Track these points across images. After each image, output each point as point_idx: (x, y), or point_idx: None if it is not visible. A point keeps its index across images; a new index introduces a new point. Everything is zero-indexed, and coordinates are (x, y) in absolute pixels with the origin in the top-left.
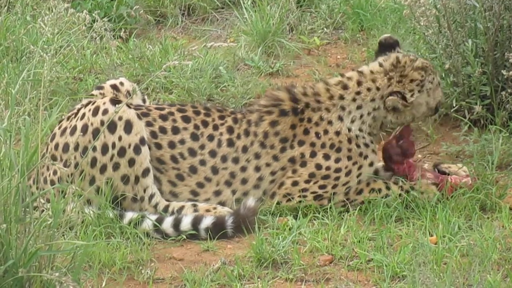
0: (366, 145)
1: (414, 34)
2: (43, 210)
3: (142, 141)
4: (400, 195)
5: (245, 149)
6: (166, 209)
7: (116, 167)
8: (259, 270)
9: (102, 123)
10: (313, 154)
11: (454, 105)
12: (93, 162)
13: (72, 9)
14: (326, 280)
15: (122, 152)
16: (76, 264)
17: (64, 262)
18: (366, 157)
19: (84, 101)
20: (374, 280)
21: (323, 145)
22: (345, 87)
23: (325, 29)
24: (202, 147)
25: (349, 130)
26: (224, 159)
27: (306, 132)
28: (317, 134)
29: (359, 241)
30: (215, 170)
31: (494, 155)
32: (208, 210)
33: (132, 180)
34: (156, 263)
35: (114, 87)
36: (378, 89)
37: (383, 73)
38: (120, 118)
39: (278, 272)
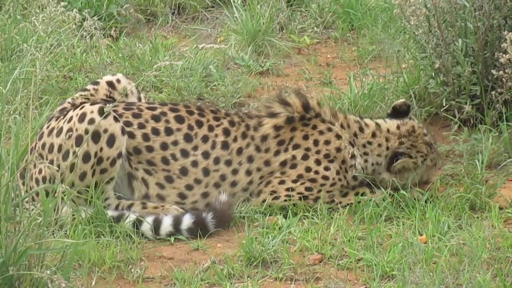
0: (354, 177)
1: (404, 33)
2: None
3: (119, 155)
4: (384, 198)
5: (239, 151)
6: (117, 207)
7: (93, 173)
8: (248, 269)
9: (86, 131)
10: (305, 157)
11: (444, 105)
12: (73, 167)
13: (63, 8)
14: (315, 279)
15: (99, 161)
16: (66, 262)
17: (54, 260)
18: (347, 182)
19: (77, 94)
20: (363, 280)
21: (318, 152)
22: (361, 129)
23: (315, 28)
24: (195, 148)
25: (352, 156)
26: (217, 161)
27: (305, 137)
28: (316, 141)
29: (349, 240)
30: (206, 172)
31: (484, 154)
32: (156, 208)
33: (94, 183)
34: (146, 262)
35: (110, 84)
36: (387, 148)
37: (397, 135)
38: (105, 131)
39: (268, 271)
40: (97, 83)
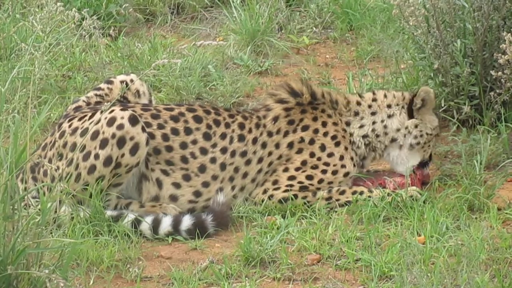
0: (362, 156)
1: (403, 34)
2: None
3: (137, 164)
4: (383, 197)
5: (255, 141)
6: (115, 206)
7: (109, 177)
8: (247, 269)
9: (113, 135)
10: (311, 142)
11: (443, 105)
12: (92, 169)
13: (62, 7)
14: (314, 280)
15: (117, 166)
16: (64, 262)
17: (52, 259)
18: (354, 165)
19: (91, 93)
20: (362, 280)
21: (325, 134)
22: (360, 96)
23: (314, 28)
24: (214, 145)
25: (359, 129)
26: (233, 154)
27: (314, 119)
28: (324, 123)
29: (347, 241)
30: (223, 167)
31: (482, 155)
32: (153, 206)
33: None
34: (144, 261)
35: (124, 83)
36: (394, 96)
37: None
38: (131, 138)
39: (266, 271)
40: (111, 82)
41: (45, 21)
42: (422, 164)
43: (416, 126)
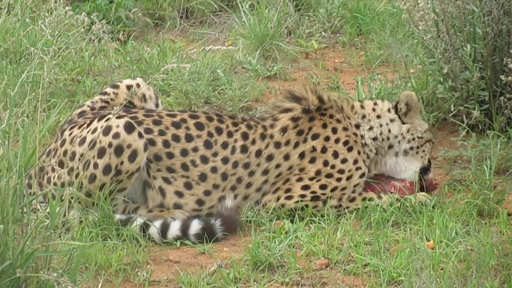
0: (368, 156)
1: (413, 38)
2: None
3: (138, 169)
4: (391, 203)
5: (258, 153)
6: (124, 210)
7: (110, 184)
8: (255, 274)
9: (110, 144)
10: (323, 150)
11: (452, 110)
12: (92, 178)
13: (71, 11)
14: (322, 284)
15: (117, 173)
16: (72, 265)
17: (60, 263)
18: (367, 170)
19: (97, 98)
20: (370, 285)
21: (337, 140)
22: (361, 102)
23: (323, 32)
24: (215, 154)
25: (369, 131)
26: (235, 165)
27: (324, 126)
28: (334, 129)
29: (355, 245)
30: (224, 177)
31: (492, 160)
32: (161, 211)
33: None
34: (152, 265)
35: (129, 88)
36: (390, 102)
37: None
38: (129, 146)
39: (274, 276)
40: (117, 87)
41: (54, 25)
42: (423, 171)
43: (408, 131)
